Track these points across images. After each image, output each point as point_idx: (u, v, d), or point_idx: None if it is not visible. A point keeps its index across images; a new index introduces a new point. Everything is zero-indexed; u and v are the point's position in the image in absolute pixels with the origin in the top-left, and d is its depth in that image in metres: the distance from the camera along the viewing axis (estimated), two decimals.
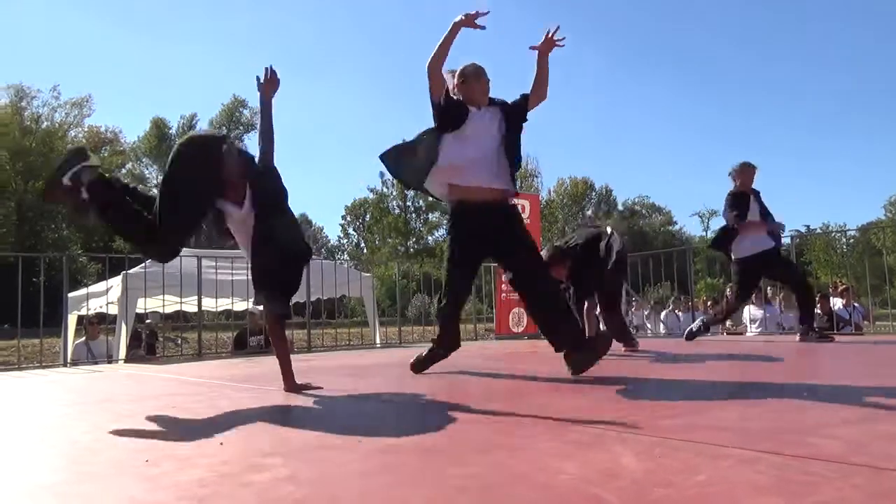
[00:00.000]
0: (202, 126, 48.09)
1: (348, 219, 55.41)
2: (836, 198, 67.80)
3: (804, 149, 64.64)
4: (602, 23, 67.29)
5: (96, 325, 7.91)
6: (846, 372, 3.51)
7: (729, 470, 1.38)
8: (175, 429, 2.23)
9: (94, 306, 8.83)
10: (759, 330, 8.82)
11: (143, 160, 47.38)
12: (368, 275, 11.29)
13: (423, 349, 3.85)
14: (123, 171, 46.02)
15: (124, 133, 47.40)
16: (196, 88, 68.10)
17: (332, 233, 58.92)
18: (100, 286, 9.35)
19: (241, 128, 50.54)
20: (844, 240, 42.37)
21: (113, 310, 8.43)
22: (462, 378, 3.66)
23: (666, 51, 65.78)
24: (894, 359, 4.11)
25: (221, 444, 1.86)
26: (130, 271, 7.71)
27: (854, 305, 8.85)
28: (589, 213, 51.76)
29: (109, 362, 6.87)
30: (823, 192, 67.10)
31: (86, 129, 44.39)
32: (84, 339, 7.84)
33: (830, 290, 9.93)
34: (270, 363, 5.23)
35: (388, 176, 41.94)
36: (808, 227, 46.56)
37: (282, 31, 68.62)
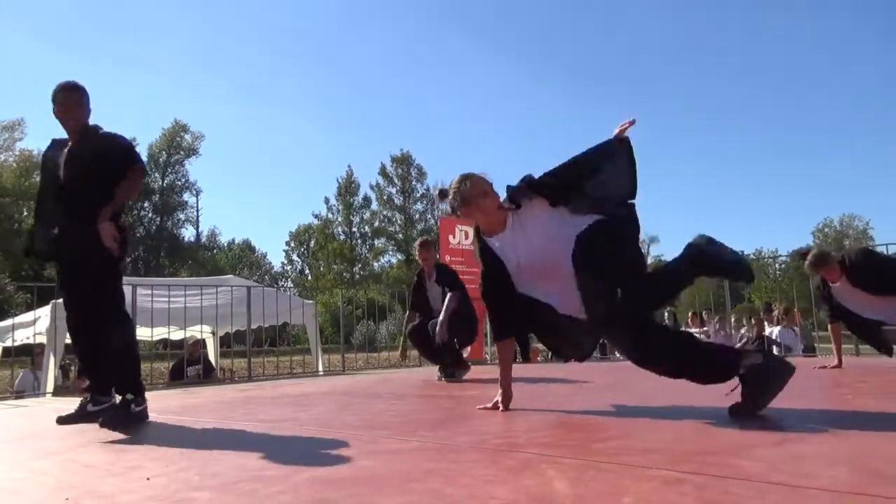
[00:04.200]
0: (141, 150, 46.92)
1: (292, 245, 54.68)
2: (769, 224, 70.65)
3: (738, 175, 67.34)
4: (548, 49, 69.15)
5: (41, 353, 7.66)
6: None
7: (653, 492, 1.41)
8: (101, 464, 2.15)
9: (21, 337, 8.45)
10: None
11: None
12: (311, 302, 11.15)
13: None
14: None
15: None
16: (135, 112, 66.41)
17: (276, 259, 58.00)
18: (27, 316, 8.95)
19: (182, 152, 49.57)
20: (777, 265, 44.13)
21: (41, 340, 8.09)
22: (402, 405, 3.64)
23: (599, 74, 67.90)
24: (821, 380, 4.29)
25: (148, 479, 1.80)
26: (60, 301, 7.42)
27: (793, 329, 9.02)
28: None
29: (19, 397, 6.57)
30: (757, 218, 69.87)
31: (17, 153, 42.77)
32: (30, 368, 7.57)
33: (763, 313, 10.29)
34: (208, 394, 5.09)
35: (334, 201, 41.08)
36: (742, 252, 48.29)
37: (225, 55, 67.99)
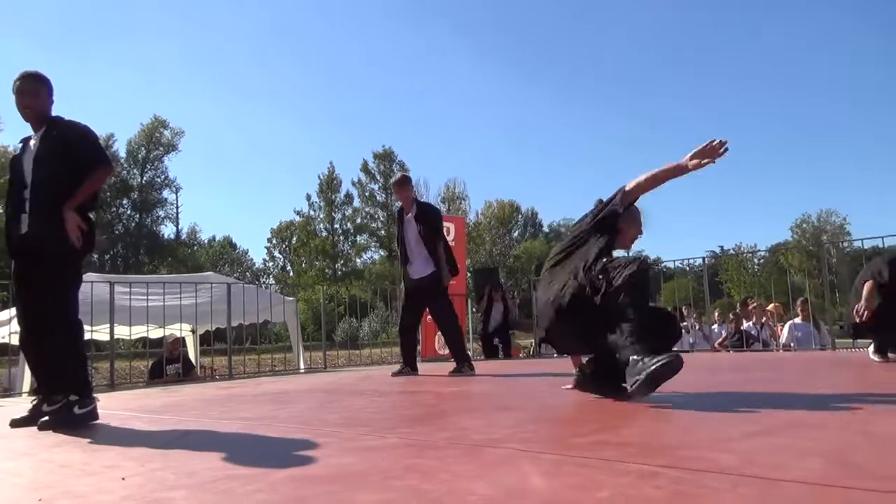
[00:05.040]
0: (119, 146, 46.30)
1: (274, 241, 54.28)
2: (748, 219, 71.17)
3: (718, 171, 67.67)
4: (534, 45, 69.24)
5: None
6: (753, 386, 3.69)
7: (628, 486, 1.42)
8: (76, 464, 2.12)
9: None
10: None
11: None
12: (292, 299, 11.09)
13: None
14: None
15: None
16: (114, 107, 65.52)
17: (258, 256, 57.58)
18: (2, 315, 8.81)
19: (162, 148, 49.01)
20: (756, 260, 44.57)
21: (16, 340, 7.96)
22: (383, 402, 3.64)
23: (585, 69, 68.13)
24: (796, 373, 4.35)
25: (123, 478, 1.79)
26: None
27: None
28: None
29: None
30: (737, 214, 70.50)
31: None
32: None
33: (740, 308, 10.38)
34: (188, 392, 5.05)
35: (316, 198, 40.96)
36: (722, 247, 48.85)
37: (205, 50, 67.25)
